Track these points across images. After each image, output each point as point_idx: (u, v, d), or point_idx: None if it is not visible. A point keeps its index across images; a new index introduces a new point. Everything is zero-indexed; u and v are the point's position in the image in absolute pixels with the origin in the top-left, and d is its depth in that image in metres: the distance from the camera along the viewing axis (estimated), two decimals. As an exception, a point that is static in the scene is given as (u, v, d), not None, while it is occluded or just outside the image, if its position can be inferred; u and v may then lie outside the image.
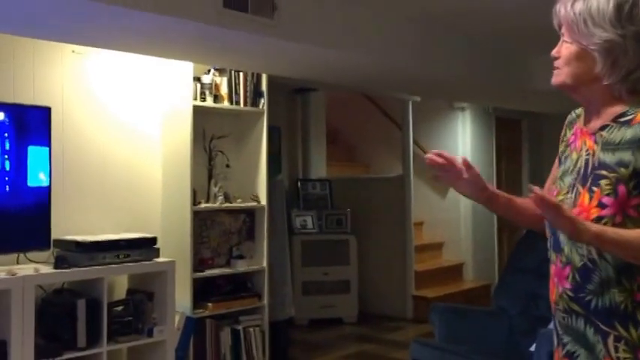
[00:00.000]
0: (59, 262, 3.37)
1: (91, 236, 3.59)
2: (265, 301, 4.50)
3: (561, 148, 1.62)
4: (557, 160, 1.62)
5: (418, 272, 6.54)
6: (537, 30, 2.84)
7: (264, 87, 4.53)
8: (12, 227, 3.34)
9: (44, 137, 3.48)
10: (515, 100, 6.24)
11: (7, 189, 3.32)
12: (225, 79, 4.34)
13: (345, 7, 3.76)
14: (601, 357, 1.43)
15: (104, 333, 3.43)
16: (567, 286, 1.48)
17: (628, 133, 1.42)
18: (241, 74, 4.40)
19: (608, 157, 1.43)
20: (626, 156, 1.40)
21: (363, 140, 8.33)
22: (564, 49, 1.51)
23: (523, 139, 7.88)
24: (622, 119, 1.45)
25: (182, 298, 3.99)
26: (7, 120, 3.32)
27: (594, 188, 1.43)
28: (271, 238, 4.69)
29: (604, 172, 1.42)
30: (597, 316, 1.44)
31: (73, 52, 3.81)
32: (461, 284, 6.92)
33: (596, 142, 1.48)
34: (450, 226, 7.12)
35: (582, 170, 1.49)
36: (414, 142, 6.74)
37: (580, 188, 1.47)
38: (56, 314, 3.33)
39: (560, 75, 1.51)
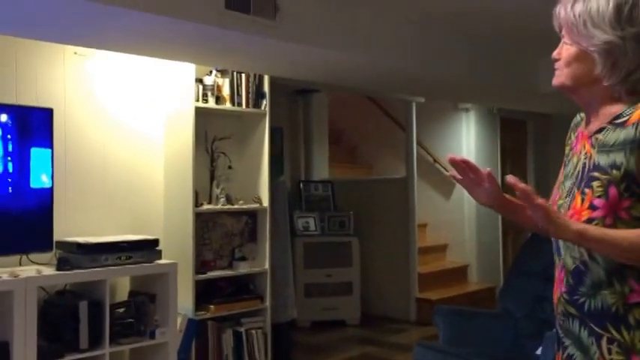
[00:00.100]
0: (61, 264, 3.38)
1: (93, 238, 3.60)
2: (267, 303, 4.49)
3: (566, 151, 1.62)
4: (563, 164, 1.62)
5: (422, 274, 6.51)
6: (539, 31, 2.83)
7: (266, 88, 4.53)
8: (14, 229, 3.35)
9: (46, 139, 3.48)
10: (518, 101, 6.21)
11: (10, 190, 3.33)
12: (227, 81, 4.34)
13: (347, 9, 3.76)
14: (595, 359, 1.43)
15: (106, 335, 3.43)
16: (563, 288, 1.49)
17: (622, 134, 1.41)
18: (243, 75, 4.41)
19: (603, 160, 1.43)
20: (619, 158, 1.40)
21: (365, 141, 8.30)
22: (564, 50, 1.51)
23: (528, 141, 7.82)
24: (617, 121, 1.44)
25: (184, 300, 3.99)
26: (9, 121, 3.33)
27: (586, 190, 1.43)
28: (273, 240, 4.69)
29: (597, 174, 1.42)
30: (590, 319, 1.44)
31: (76, 53, 3.82)
32: (465, 286, 6.87)
33: (592, 145, 1.48)
34: (454, 227, 7.08)
35: (580, 174, 1.49)
36: (418, 143, 6.70)
37: (576, 191, 1.47)
38: (58, 316, 3.34)
39: (560, 76, 1.51)
